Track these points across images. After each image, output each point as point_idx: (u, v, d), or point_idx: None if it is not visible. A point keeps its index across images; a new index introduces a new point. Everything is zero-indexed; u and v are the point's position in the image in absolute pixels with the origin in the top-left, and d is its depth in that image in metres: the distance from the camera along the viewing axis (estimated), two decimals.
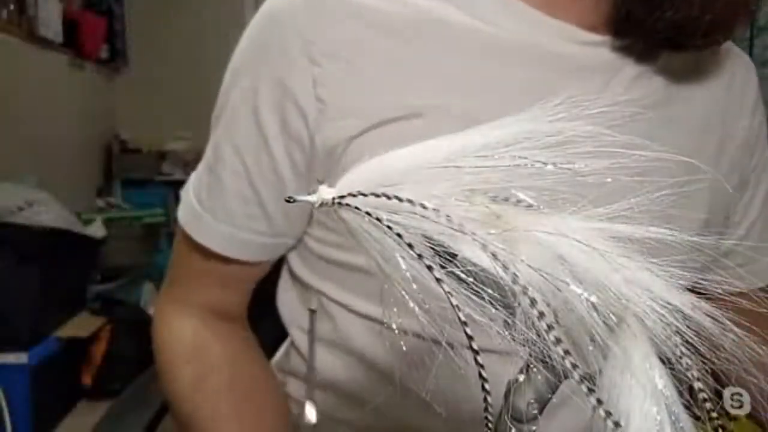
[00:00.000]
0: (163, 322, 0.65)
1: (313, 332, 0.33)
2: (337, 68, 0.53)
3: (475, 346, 0.27)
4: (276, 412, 0.64)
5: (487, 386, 0.28)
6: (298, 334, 0.66)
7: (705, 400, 0.29)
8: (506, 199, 0.28)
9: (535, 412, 0.32)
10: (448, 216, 0.27)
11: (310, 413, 0.36)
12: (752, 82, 0.68)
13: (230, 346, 0.64)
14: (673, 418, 0.27)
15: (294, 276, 0.66)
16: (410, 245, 0.27)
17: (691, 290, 0.28)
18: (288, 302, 0.67)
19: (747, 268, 0.65)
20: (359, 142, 0.53)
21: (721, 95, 0.64)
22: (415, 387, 0.49)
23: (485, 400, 0.28)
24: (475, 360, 0.27)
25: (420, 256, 0.27)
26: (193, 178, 0.63)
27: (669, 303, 0.27)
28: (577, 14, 0.56)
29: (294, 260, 0.65)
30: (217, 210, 0.59)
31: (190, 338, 0.64)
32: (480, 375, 0.27)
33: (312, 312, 0.33)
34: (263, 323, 0.69)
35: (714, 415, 0.29)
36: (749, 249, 0.67)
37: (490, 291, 0.27)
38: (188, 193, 0.62)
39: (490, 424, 0.29)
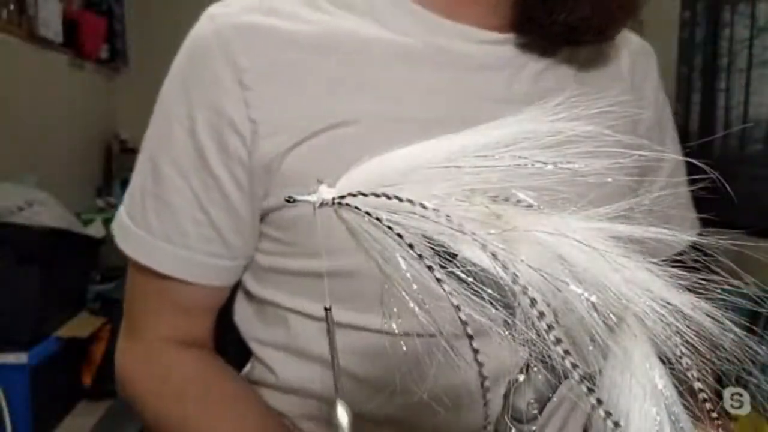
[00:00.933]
0: (126, 362, 0.66)
1: (332, 331, 0.33)
2: (266, 90, 0.57)
3: (475, 345, 0.27)
4: (261, 417, 0.64)
5: (487, 384, 0.28)
6: (256, 346, 0.67)
7: (705, 400, 0.29)
8: (506, 199, 0.28)
9: (535, 412, 0.32)
10: (448, 216, 0.27)
11: (342, 414, 0.36)
12: (651, 66, 0.73)
13: (200, 364, 0.64)
14: (672, 418, 0.27)
15: (247, 292, 0.67)
16: (410, 245, 0.27)
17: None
18: (244, 317, 0.68)
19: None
20: (293, 154, 0.57)
21: (625, 81, 0.69)
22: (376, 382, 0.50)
23: (484, 398, 0.28)
24: (475, 359, 0.27)
25: (420, 256, 0.27)
26: (133, 210, 0.62)
27: (669, 303, 0.27)
28: (476, 17, 0.61)
29: (245, 277, 0.66)
30: (171, 235, 0.60)
31: (158, 364, 0.64)
32: (480, 374, 0.27)
33: (327, 310, 0.33)
34: (228, 345, 0.69)
35: (714, 415, 0.29)
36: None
37: (490, 291, 0.27)
38: (128, 226, 0.62)
39: (489, 425, 0.29)
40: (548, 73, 0.63)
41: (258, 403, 0.65)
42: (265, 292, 0.64)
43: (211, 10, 0.60)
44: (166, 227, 0.60)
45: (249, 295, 0.67)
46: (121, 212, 0.63)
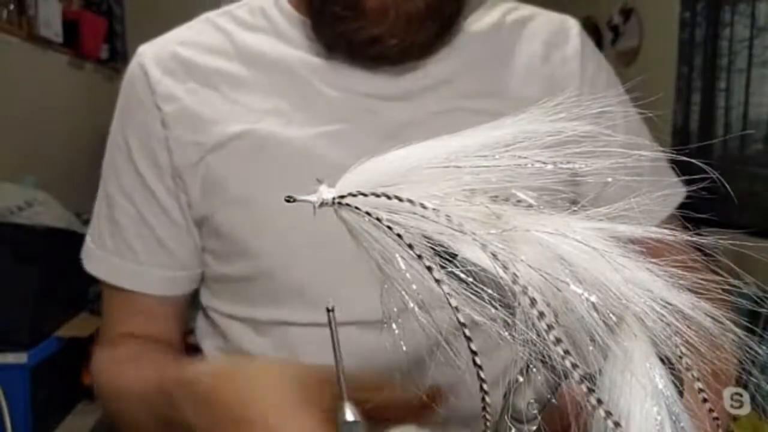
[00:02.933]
0: (95, 362, 0.69)
1: (334, 331, 0.33)
2: (173, 111, 0.64)
3: (473, 347, 0.27)
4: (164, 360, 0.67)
5: (485, 387, 0.28)
6: (207, 351, 0.71)
7: (705, 400, 0.29)
8: (506, 199, 0.28)
9: (535, 412, 0.32)
10: (447, 216, 0.27)
11: (348, 412, 0.36)
12: (570, 40, 0.71)
13: (146, 342, 0.68)
14: (673, 418, 0.27)
15: (201, 305, 0.72)
16: (410, 245, 0.27)
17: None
18: (201, 329, 0.73)
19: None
20: (201, 165, 0.63)
21: (537, 68, 0.68)
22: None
23: (483, 400, 0.28)
24: (474, 361, 0.27)
25: (420, 257, 0.27)
26: (93, 233, 0.69)
27: (669, 303, 0.27)
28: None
29: (201, 290, 0.71)
30: (123, 252, 0.67)
31: (114, 352, 0.68)
32: (478, 375, 0.27)
33: (329, 311, 0.33)
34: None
35: (714, 415, 0.29)
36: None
37: (490, 291, 0.27)
38: (90, 248, 0.69)
39: (488, 423, 0.29)
40: (439, 66, 0.65)
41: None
42: (210, 302, 0.69)
43: (139, 48, 0.69)
44: (118, 245, 0.67)
45: (203, 308, 0.72)
46: (87, 238, 0.70)
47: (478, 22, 0.69)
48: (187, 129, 0.64)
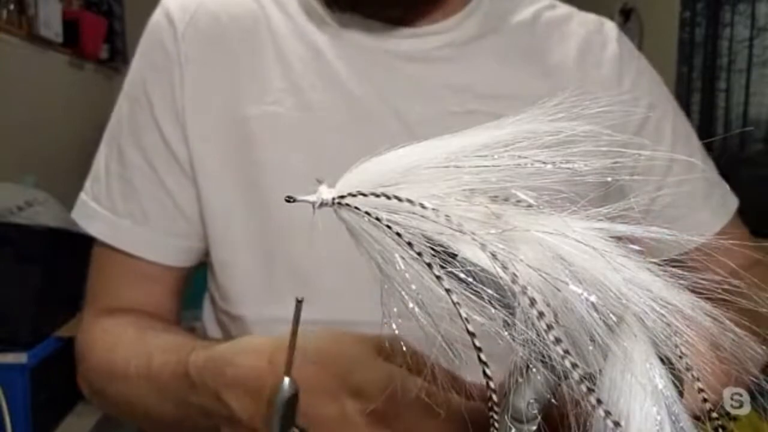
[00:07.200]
0: (81, 336, 0.65)
1: (297, 317, 0.34)
2: (194, 72, 0.62)
3: (477, 343, 0.27)
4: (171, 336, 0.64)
5: (492, 384, 0.28)
6: (211, 335, 0.69)
7: (705, 400, 0.29)
8: (506, 199, 0.28)
9: (535, 412, 0.32)
10: (447, 216, 0.27)
11: (288, 386, 0.37)
12: (607, 44, 0.68)
13: (139, 317, 0.63)
14: (673, 418, 0.27)
15: (210, 294, 0.70)
16: (410, 244, 0.27)
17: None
18: (207, 318, 0.71)
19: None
20: (212, 140, 0.61)
21: (568, 71, 0.66)
22: None
23: (490, 398, 0.28)
24: (479, 358, 0.27)
25: (420, 254, 0.27)
26: (98, 192, 0.64)
27: (669, 303, 0.27)
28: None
29: (209, 278, 0.69)
30: (135, 215, 0.62)
31: (104, 327, 0.63)
32: (484, 373, 0.27)
33: (299, 302, 0.34)
34: None
35: (714, 415, 0.29)
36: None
37: (489, 291, 0.27)
38: (92, 208, 0.64)
39: (495, 423, 0.29)
40: (463, 65, 0.63)
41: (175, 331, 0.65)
42: (211, 285, 0.67)
43: (163, 0, 0.65)
44: (131, 207, 0.62)
45: (210, 293, 0.70)
46: (83, 198, 0.65)
47: (509, 18, 0.66)
48: (202, 97, 0.61)
